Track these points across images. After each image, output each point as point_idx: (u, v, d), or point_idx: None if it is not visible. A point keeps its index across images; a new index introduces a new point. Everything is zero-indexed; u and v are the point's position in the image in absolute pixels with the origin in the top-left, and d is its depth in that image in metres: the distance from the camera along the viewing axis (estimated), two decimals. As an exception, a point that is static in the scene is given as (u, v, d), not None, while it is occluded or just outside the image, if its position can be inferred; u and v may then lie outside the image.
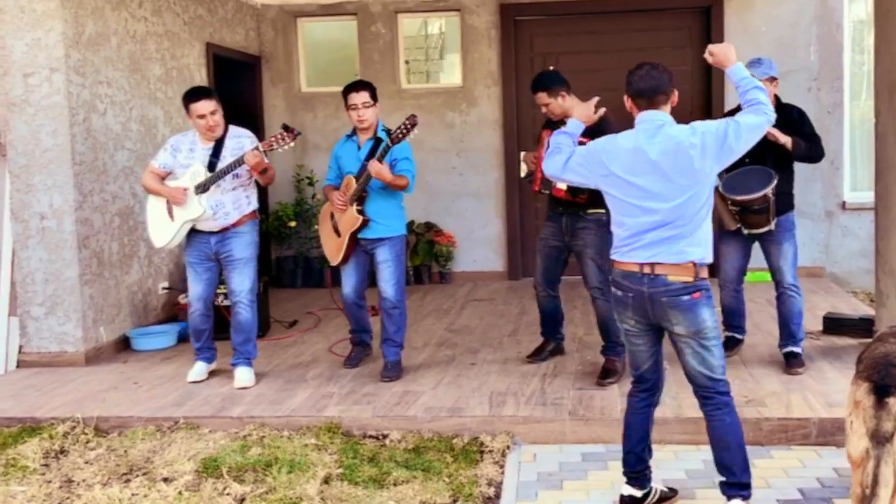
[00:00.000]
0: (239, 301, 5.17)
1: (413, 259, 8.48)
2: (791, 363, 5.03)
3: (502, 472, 4.01)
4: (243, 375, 5.18)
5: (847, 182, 8.25)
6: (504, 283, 8.43)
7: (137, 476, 3.99)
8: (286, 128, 5.04)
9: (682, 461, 4.08)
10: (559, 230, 5.11)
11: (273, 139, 5.03)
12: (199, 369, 5.36)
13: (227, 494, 3.78)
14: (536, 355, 5.48)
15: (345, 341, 5.87)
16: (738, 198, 4.85)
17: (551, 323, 5.47)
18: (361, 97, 5.15)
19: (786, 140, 4.88)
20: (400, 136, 4.98)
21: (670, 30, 8.32)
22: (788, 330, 5.10)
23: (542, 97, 5.02)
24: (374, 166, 4.93)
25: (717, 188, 4.85)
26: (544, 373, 5.21)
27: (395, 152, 5.09)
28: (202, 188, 5.03)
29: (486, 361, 5.53)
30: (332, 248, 5.33)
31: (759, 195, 4.79)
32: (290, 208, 8.53)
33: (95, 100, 6.00)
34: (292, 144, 5.07)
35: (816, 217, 8.14)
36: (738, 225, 5.01)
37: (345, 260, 5.29)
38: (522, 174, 5.41)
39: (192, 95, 5.09)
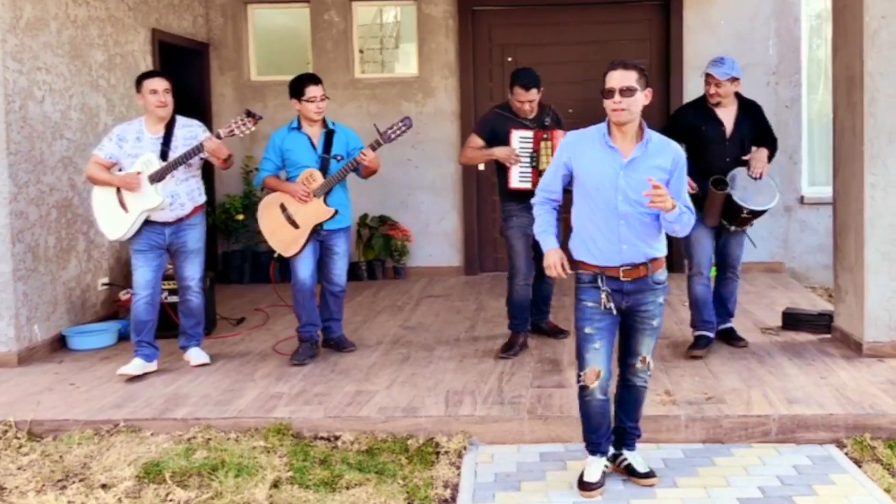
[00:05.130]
0: (190, 287, 5.30)
1: (367, 253, 8.36)
2: (734, 339, 5.48)
3: (458, 474, 3.95)
4: (200, 355, 5.39)
5: (805, 177, 8.31)
6: (461, 279, 8.34)
7: (74, 482, 3.86)
8: (249, 113, 5.14)
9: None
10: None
11: (234, 124, 5.09)
12: (135, 365, 5.18)
13: (171, 500, 3.66)
14: (509, 349, 5.44)
15: (291, 339, 5.77)
16: (760, 208, 5.11)
17: (524, 314, 5.51)
18: (321, 90, 5.35)
19: (766, 156, 5.24)
20: (392, 136, 5.22)
21: (630, 22, 8.33)
22: (727, 309, 5.53)
23: (534, 94, 5.29)
24: (371, 154, 5.20)
25: (727, 196, 5.09)
26: (502, 371, 5.13)
27: (351, 141, 5.38)
28: (157, 177, 5.01)
29: (442, 359, 5.45)
30: (288, 240, 5.35)
31: (776, 202, 5.15)
32: (238, 201, 8.35)
33: (33, 87, 5.81)
34: (253, 129, 5.16)
35: (775, 212, 8.13)
36: (720, 222, 5.24)
37: (302, 250, 5.36)
38: (481, 167, 5.40)
39: (148, 73, 5.23)
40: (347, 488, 3.74)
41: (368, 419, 4.39)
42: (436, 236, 8.54)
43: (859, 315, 5.24)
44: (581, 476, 3.75)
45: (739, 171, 5.17)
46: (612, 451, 3.86)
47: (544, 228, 3.77)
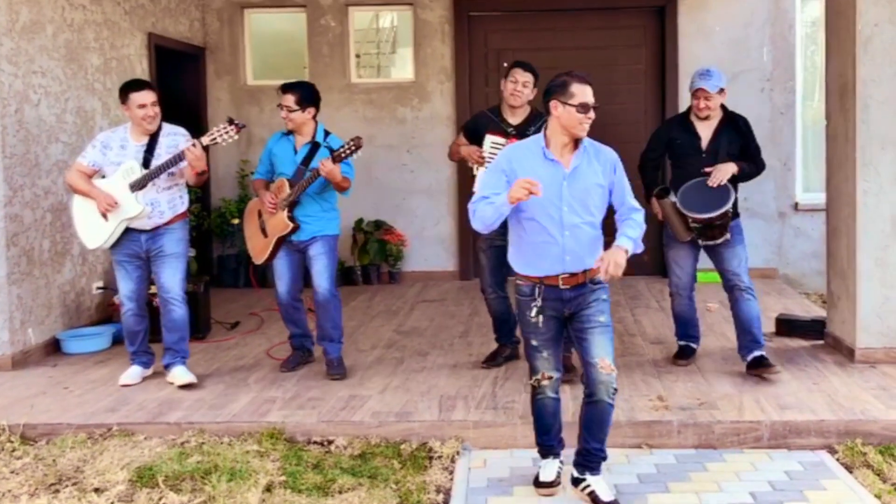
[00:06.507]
0: (172, 298, 5.06)
1: (362, 258, 8.35)
2: (763, 367, 4.87)
3: (451, 479, 3.95)
4: (184, 374, 5.06)
5: (799, 183, 8.33)
6: (455, 283, 8.35)
7: (67, 486, 3.84)
8: (230, 121, 4.99)
9: (633, 465, 4.06)
10: (502, 229, 5.02)
11: (216, 132, 4.95)
12: (134, 373, 5.18)
13: (163, 505, 3.65)
14: (491, 360, 5.39)
15: (284, 344, 5.75)
16: (701, 216, 4.82)
17: (505, 326, 5.40)
18: (287, 100, 5.11)
19: (733, 170, 4.89)
20: (343, 155, 4.96)
21: (625, 28, 8.35)
22: (752, 336, 4.96)
23: (530, 78, 5.14)
24: (328, 166, 4.92)
25: (673, 204, 4.88)
26: (495, 376, 5.13)
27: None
28: (138, 185, 4.91)
29: (436, 364, 5.45)
30: (258, 248, 5.30)
31: (720, 212, 4.78)
32: (233, 205, 8.35)
33: (29, 90, 5.80)
34: (236, 137, 5.01)
35: (769, 218, 8.19)
36: (692, 236, 4.99)
37: (269, 260, 5.25)
38: (475, 172, 5.30)
39: (134, 85, 5.06)
40: (340, 493, 3.73)
41: (362, 424, 4.39)
42: (431, 241, 8.54)
43: (851, 321, 5.25)
44: (537, 476, 3.79)
45: (698, 181, 4.92)
46: (575, 473, 3.71)
47: (491, 202, 3.63)
